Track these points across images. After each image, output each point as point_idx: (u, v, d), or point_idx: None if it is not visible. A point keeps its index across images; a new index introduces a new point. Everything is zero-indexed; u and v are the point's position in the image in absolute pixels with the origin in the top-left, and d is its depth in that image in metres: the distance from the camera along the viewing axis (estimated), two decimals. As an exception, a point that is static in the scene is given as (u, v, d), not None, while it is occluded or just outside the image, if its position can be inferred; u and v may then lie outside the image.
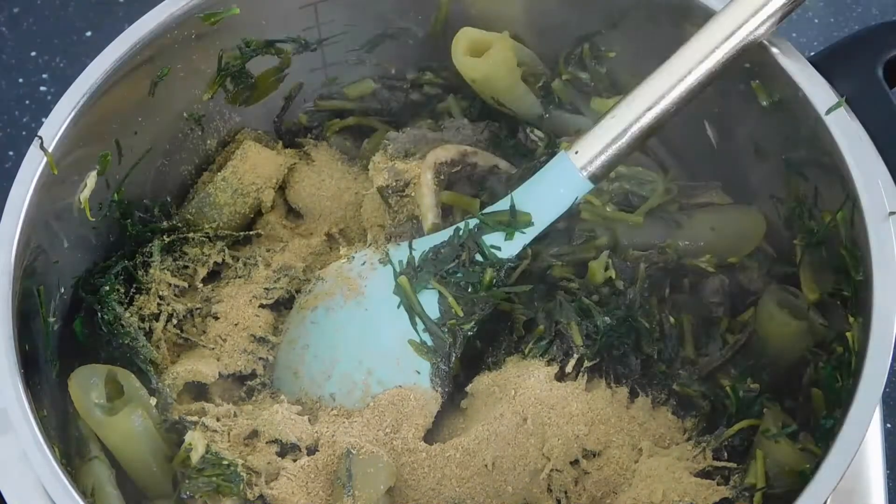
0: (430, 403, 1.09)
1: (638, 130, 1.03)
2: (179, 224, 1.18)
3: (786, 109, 1.06)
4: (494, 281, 1.09)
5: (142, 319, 1.11)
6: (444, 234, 1.11)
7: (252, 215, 1.22)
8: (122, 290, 1.11)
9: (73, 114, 1.05)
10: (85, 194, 1.08)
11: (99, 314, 1.08)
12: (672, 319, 1.11)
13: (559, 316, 1.10)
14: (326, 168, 1.23)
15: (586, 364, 1.08)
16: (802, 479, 0.91)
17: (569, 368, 1.08)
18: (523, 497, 1.04)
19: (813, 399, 1.03)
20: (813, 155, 1.04)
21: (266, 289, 1.15)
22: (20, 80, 1.54)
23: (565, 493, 1.04)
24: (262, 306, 1.15)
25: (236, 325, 1.13)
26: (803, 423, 1.03)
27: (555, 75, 1.20)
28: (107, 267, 1.12)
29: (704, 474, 1.04)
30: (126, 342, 1.09)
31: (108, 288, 1.09)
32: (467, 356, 1.11)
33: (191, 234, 1.16)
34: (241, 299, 1.14)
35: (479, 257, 1.09)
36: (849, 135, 1.00)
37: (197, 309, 1.14)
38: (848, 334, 0.99)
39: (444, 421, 1.11)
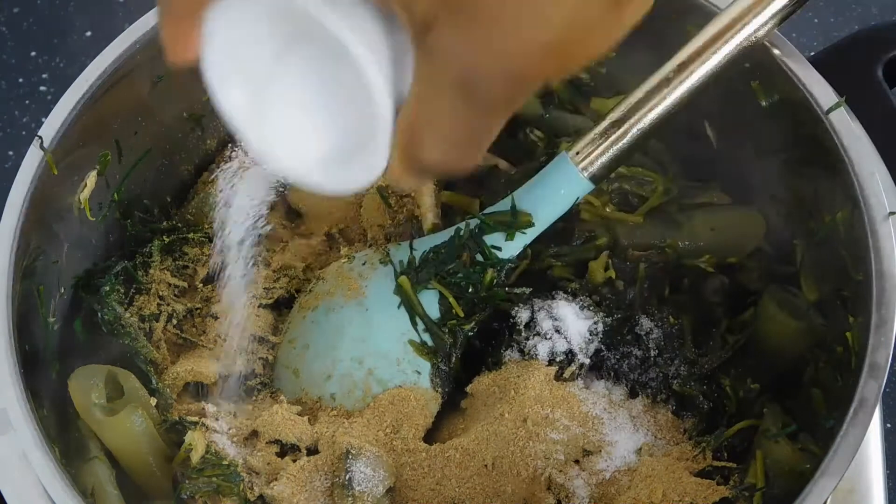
0: (430, 403, 1.09)
1: (638, 131, 1.03)
2: (179, 224, 1.18)
3: (786, 109, 1.06)
4: (495, 281, 1.09)
5: (142, 319, 1.11)
6: (445, 235, 1.11)
7: (252, 215, 1.22)
8: (122, 291, 1.11)
9: (73, 114, 1.05)
10: (85, 194, 1.08)
11: (99, 314, 1.08)
12: (672, 319, 1.12)
13: (559, 316, 1.10)
14: (326, 168, 1.23)
15: (586, 364, 1.08)
16: (802, 479, 0.91)
17: (567, 374, 1.08)
18: (523, 497, 1.04)
19: (813, 399, 1.03)
20: (813, 155, 1.04)
21: (266, 289, 1.15)
22: (20, 80, 1.54)
23: (565, 493, 1.04)
24: (262, 306, 1.15)
25: (236, 325, 1.13)
26: (803, 423, 1.03)
27: (555, 75, 1.20)
28: (107, 267, 1.12)
29: (704, 474, 1.04)
30: (126, 342, 1.09)
31: (108, 288, 1.09)
32: (467, 356, 1.11)
33: (191, 234, 1.16)
34: (241, 299, 1.14)
35: (479, 257, 1.09)
36: (849, 135, 1.00)
37: (197, 309, 1.14)
38: (848, 334, 0.99)
39: (444, 421, 1.11)
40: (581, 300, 1.10)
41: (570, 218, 1.13)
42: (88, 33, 1.57)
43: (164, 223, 1.17)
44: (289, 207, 1.24)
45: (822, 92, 1.02)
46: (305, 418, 1.07)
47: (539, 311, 1.10)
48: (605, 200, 1.15)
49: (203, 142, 1.22)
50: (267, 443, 1.06)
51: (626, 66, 1.17)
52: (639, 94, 1.04)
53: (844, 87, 1.03)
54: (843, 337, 0.99)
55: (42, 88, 1.53)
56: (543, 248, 1.14)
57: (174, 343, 1.13)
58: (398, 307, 1.09)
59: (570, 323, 1.09)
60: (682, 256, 1.14)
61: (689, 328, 1.13)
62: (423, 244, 1.11)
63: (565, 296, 1.11)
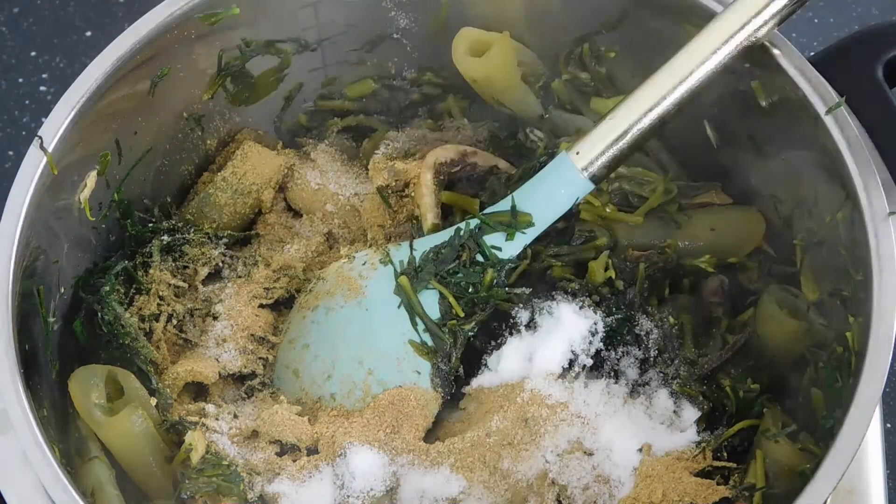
0: (430, 403, 1.09)
1: (638, 131, 1.04)
2: (179, 224, 1.17)
3: (786, 109, 1.06)
4: (495, 281, 1.09)
5: (142, 320, 1.11)
6: (445, 235, 1.11)
7: (252, 215, 1.22)
8: (122, 291, 1.11)
9: (73, 114, 1.04)
10: (85, 194, 1.08)
11: (99, 314, 1.08)
12: (672, 319, 1.12)
13: (559, 316, 1.10)
14: (326, 168, 1.23)
15: (587, 364, 1.08)
16: (802, 479, 0.91)
17: (568, 375, 1.08)
18: (523, 497, 1.04)
19: (813, 399, 1.03)
20: (813, 155, 1.04)
21: (266, 289, 1.15)
22: (20, 80, 1.54)
23: (565, 493, 1.04)
24: (261, 306, 1.15)
25: (236, 324, 1.13)
26: (803, 423, 1.03)
27: (555, 75, 1.20)
28: (107, 267, 1.12)
29: (704, 474, 1.04)
30: (126, 342, 1.08)
31: (108, 288, 1.09)
32: (467, 356, 1.11)
33: (191, 235, 1.16)
34: (241, 299, 1.14)
35: (479, 257, 1.09)
36: (849, 135, 1.00)
37: (197, 309, 1.14)
38: (848, 334, 0.99)
39: (443, 421, 1.11)
40: (581, 300, 1.10)
41: (570, 218, 1.13)
42: (88, 33, 1.57)
43: (164, 223, 1.17)
44: (289, 207, 1.24)
45: (822, 92, 1.02)
46: (305, 418, 1.07)
47: (539, 311, 1.10)
48: (605, 200, 1.15)
49: (203, 142, 1.22)
50: (267, 443, 1.06)
51: (626, 66, 1.17)
52: (639, 94, 1.04)
53: (844, 87, 1.03)
54: (843, 337, 0.99)
55: (42, 88, 1.53)
56: (543, 248, 1.14)
57: (174, 343, 1.13)
58: (398, 307, 1.09)
59: (571, 323, 1.09)
60: (682, 256, 1.14)
61: (689, 328, 1.13)
62: (423, 244, 1.11)
63: (565, 296, 1.11)
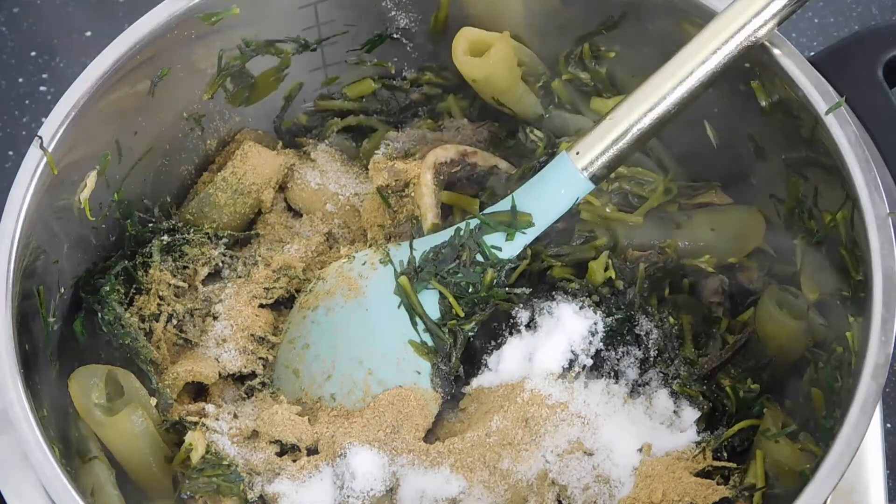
0: (430, 403, 1.09)
1: (639, 131, 1.04)
2: (179, 224, 1.17)
3: (786, 109, 1.06)
4: (495, 281, 1.09)
5: (142, 320, 1.11)
6: (445, 235, 1.11)
7: (252, 215, 1.22)
8: (123, 291, 1.11)
9: (73, 114, 1.05)
10: (85, 194, 1.08)
11: (99, 314, 1.08)
12: (672, 319, 1.12)
13: (559, 316, 1.10)
14: (326, 168, 1.23)
15: (587, 364, 1.08)
16: (802, 479, 0.91)
17: (568, 375, 1.08)
18: (523, 497, 1.04)
19: (813, 399, 1.03)
20: (813, 155, 1.04)
21: (266, 289, 1.15)
22: (20, 80, 1.54)
23: (565, 493, 1.04)
24: (261, 306, 1.15)
25: (236, 324, 1.13)
26: (803, 423, 1.03)
27: (555, 75, 1.20)
28: (107, 267, 1.12)
29: (704, 474, 1.04)
30: (126, 342, 1.09)
31: (108, 288, 1.09)
32: (467, 356, 1.11)
33: (191, 235, 1.16)
34: (241, 299, 1.14)
35: (479, 257, 1.09)
36: (849, 135, 1.00)
37: (197, 309, 1.14)
38: (848, 334, 0.99)
39: (444, 421, 1.11)
40: (581, 300, 1.11)
41: (570, 218, 1.13)
42: (88, 33, 1.57)
43: (164, 223, 1.17)
44: (289, 207, 1.24)
45: (822, 92, 1.02)
46: (305, 418, 1.07)
47: (539, 311, 1.10)
48: (605, 200, 1.15)
49: (203, 142, 1.22)
50: (267, 443, 1.06)
51: (626, 66, 1.17)
52: (639, 94, 1.04)
53: (844, 87, 1.03)
54: (843, 337, 0.99)
55: (42, 88, 1.53)
56: (543, 248, 1.14)
57: (174, 343, 1.13)
58: (398, 307, 1.09)
59: (570, 323, 1.09)
60: (682, 256, 1.14)
61: (689, 328, 1.13)
62: (423, 244, 1.11)
63: (565, 296, 1.11)
